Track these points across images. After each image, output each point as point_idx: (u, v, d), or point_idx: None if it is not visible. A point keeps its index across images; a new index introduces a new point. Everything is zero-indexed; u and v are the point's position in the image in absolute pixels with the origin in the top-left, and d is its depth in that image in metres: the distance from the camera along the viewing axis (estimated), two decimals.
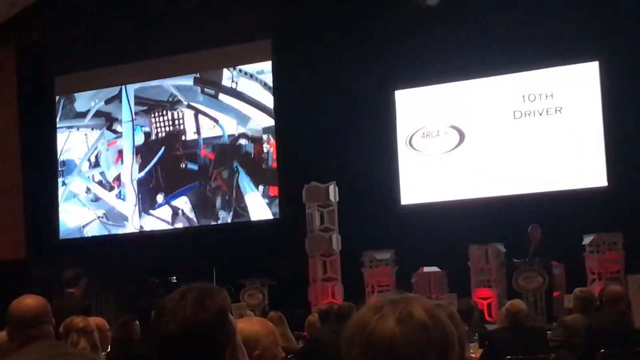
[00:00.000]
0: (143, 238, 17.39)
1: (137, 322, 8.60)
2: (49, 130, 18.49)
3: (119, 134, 18.10)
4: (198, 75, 17.50)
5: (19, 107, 18.38)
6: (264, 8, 16.46)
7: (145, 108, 17.88)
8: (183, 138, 17.61)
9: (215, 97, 17.33)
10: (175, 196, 17.49)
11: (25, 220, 18.15)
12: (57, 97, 18.63)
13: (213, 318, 2.13)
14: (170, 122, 17.69)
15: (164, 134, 17.75)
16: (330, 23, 15.73)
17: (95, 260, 17.40)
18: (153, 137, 17.84)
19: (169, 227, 17.45)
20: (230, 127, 17.17)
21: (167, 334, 2.14)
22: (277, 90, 16.70)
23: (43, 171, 18.33)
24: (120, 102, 18.07)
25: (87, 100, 18.43)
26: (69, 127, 18.56)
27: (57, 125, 18.56)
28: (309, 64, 15.90)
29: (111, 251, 17.28)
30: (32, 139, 18.25)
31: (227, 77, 17.25)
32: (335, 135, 15.47)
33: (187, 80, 17.54)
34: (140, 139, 17.91)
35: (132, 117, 17.97)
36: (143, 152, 17.88)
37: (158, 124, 17.78)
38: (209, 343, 2.13)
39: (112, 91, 18.18)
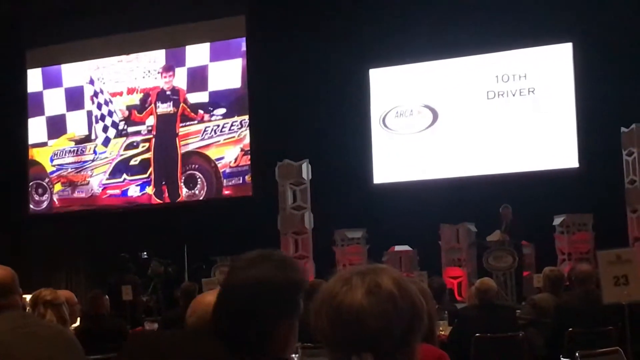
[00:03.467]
0: (114, 213, 17.30)
1: (107, 297, 8.59)
2: (19, 104, 18.26)
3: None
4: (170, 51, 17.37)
5: None
6: None
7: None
8: None
9: None
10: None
11: None
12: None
13: (291, 284, 2.11)
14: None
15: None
16: (304, 0, 15.67)
17: (65, 236, 17.36)
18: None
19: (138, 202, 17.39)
20: None
21: (238, 283, 2.13)
22: (250, 67, 16.61)
23: (12, 145, 18.12)
24: None
25: None
26: None
27: None
28: (283, 41, 15.83)
29: (81, 226, 17.19)
30: (2, 113, 18.04)
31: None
32: (309, 113, 15.43)
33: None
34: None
35: None
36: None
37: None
38: (276, 305, 2.09)
39: None
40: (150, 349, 2.17)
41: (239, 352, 2.04)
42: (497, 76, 14.99)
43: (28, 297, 5.09)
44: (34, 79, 18.38)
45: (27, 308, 4.87)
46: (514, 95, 14.88)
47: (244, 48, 16.68)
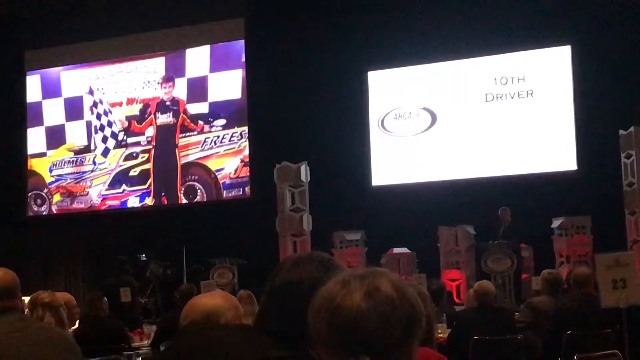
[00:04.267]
0: (112, 215, 17.28)
1: (105, 299, 8.58)
2: (17, 104, 18.23)
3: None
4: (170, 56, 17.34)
5: None
6: None
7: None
8: None
9: None
10: None
11: None
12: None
13: None
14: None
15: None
16: (303, 3, 15.67)
17: (64, 238, 17.35)
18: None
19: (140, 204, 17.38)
20: None
21: (283, 283, 2.18)
22: (248, 70, 16.60)
23: (11, 145, 18.09)
24: None
25: None
26: None
27: None
28: (282, 44, 15.85)
29: (80, 228, 17.18)
30: (1, 113, 18.01)
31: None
32: (307, 116, 15.43)
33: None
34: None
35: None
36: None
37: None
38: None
39: None
40: (200, 343, 2.19)
41: (284, 348, 2.07)
42: (495, 79, 14.99)
43: (27, 299, 5.09)
44: (33, 87, 18.28)
45: (26, 310, 4.87)
46: (512, 97, 14.88)
47: (243, 59, 16.63)
